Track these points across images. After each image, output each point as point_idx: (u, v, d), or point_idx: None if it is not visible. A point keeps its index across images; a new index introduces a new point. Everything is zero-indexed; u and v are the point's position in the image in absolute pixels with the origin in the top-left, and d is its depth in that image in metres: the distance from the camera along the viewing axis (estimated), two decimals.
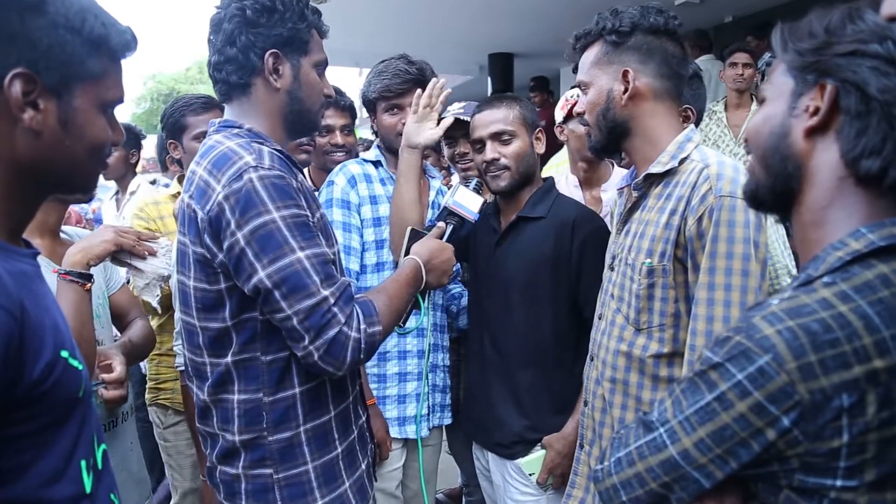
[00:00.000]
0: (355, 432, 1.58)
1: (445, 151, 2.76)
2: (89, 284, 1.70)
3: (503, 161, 2.09)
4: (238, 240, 1.32)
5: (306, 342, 1.34)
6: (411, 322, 1.81)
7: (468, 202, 1.94)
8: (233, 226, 1.32)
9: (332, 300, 1.34)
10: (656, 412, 1.03)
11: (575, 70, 1.80)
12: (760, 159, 1.04)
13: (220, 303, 1.41)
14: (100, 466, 1.04)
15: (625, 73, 1.62)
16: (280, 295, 1.32)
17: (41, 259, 1.65)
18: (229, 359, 1.42)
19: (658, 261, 1.55)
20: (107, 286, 1.96)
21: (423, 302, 1.79)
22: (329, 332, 1.33)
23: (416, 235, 1.83)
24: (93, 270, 1.85)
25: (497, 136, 2.10)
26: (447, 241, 1.84)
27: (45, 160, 0.96)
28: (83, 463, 0.99)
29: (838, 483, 0.87)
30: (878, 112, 0.89)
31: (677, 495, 1.00)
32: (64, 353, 0.93)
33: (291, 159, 1.48)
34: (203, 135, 2.34)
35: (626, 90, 1.62)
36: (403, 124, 2.21)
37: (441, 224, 1.87)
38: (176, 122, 2.55)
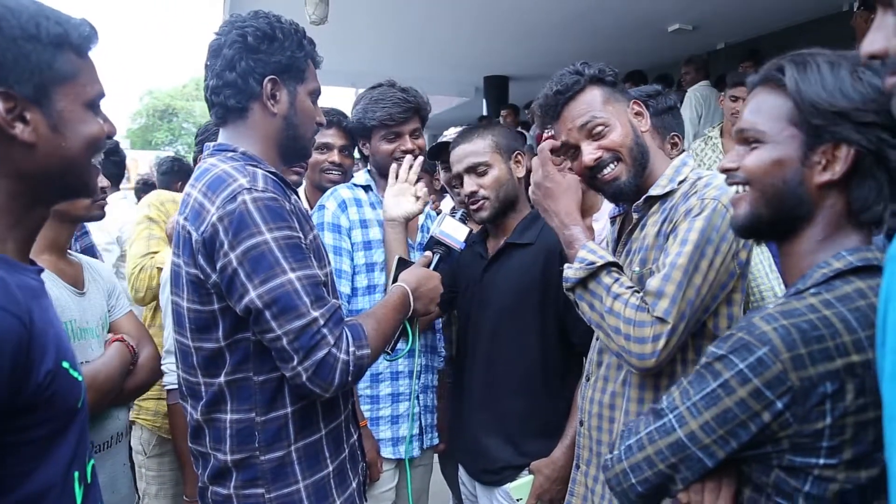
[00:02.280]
0: (346, 451, 1.59)
1: (442, 175, 2.76)
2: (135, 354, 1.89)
3: (482, 192, 2.13)
4: (231, 260, 1.34)
5: (295, 363, 1.35)
6: (400, 348, 1.82)
7: (454, 231, 1.97)
8: (226, 246, 1.34)
9: (321, 321, 1.36)
10: (665, 401, 1.16)
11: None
12: (770, 199, 1.14)
13: (213, 323, 1.42)
14: (88, 480, 1.06)
15: (634, 104, 1.69)
16: (270, 315, 1.33)
17: (52, 277, 1.71)
18: (222, 379, 1.43)
19: (650, 265, 1.59)
20: (110, 311, 1.96)
21: (411, 329, 1.81)
22: (318, 353, 1.34)
23: (403, 264, 1.86)
24: (96, 290, 1.89)
25: (472, 169, 2.14)
26: (434, 269, 1.86)
27: (45, 168, 0.99)
28: (76, 474, 1.01)
29: (821, 461, 1.02)
30: (885, 173, 1.07)
31: (682, 475, 1.13)
32: (65, 364, 0.96)
33: (285, 181, 1.51)
34: None
35: (642, 119, 1.70)
36: (402, 151, 2.25)
37: (428, 253, 1.90)
38: None
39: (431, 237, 2.01)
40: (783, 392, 1.01)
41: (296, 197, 1.54)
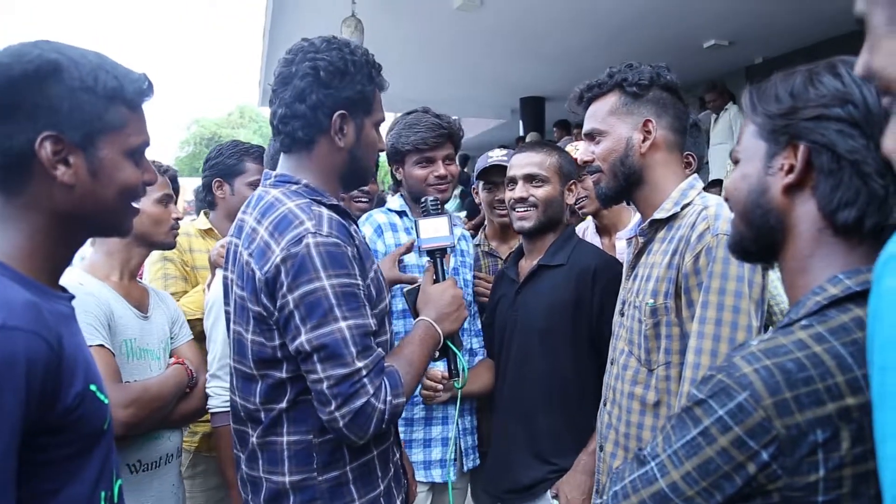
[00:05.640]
0: (392, 470, 1.62)
1: (484, 196, 2.75)
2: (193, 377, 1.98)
3: (531, 200, 2.17)
4: (288, 301, 1.38)
5: (332, 407, 1.38)
6: (455, 373, 1.76)
7: (435, 230, 1.81)
8: (285, 288, 1.38)
9: (364, 372, 1.39)
10: (649, 447, 1.08)
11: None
12: (742, 215, 1.11)
13: (275, 357, 1.46)
14: (115, 500, 1.11)
15: (646, 123, 1.69)
16: (317, 359, 1.38)
17: (117, 298, 1.81)
18: (284, 405, 1.48)
19: (662, 300, 1.60)
20: (173, 338, 2.04)
21: (455, 347, 1.73)
22: (356, 401, 1.37)
23: (412, 293, 1.77)
24: (160, 315, 1.99)
25: (530, 178, 2.19)
26: (441, 276, 1.76)
27: (81, 208, 1.07)
28: (103, 494, 1.06)
29: None
30: (848, 169, 0.97)
31: None
32: (93, 387, 1.02)
33: (348, 213, 1.54)
34: (257, 182, 2.37)
35: (644, 139, 1.69)
36: (436, 177, 2.27)
37: (428, 266, 1.81)
38: (234, 164, 2.60)
39: (420, 249, 1.87)
40: (768, 441, 0.91)
41: (355, 227, 1.57)
